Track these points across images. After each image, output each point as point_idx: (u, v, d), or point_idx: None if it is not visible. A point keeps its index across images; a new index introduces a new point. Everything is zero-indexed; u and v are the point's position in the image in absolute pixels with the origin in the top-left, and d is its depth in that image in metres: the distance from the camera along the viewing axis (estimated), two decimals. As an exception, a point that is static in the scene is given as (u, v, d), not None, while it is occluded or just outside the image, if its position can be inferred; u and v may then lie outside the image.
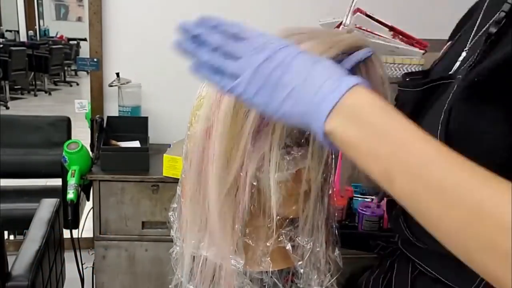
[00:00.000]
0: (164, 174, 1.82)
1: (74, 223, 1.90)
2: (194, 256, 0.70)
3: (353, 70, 0.60)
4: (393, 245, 0.78)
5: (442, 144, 0.47)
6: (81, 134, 2.38)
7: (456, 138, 0.57)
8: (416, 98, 0.68)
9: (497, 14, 0.61)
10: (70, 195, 1.80)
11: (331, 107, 0.47)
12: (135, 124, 2.12)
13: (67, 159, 1.86)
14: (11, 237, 2.61)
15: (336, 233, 0.75)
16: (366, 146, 0.47)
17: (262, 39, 0.52)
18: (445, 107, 0.60)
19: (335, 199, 0.76)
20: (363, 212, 1.53)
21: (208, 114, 0.66)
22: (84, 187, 1.92)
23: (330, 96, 0.47)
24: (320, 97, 0.47)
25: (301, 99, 0.48)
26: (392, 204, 0.72)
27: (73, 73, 8.18)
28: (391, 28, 1.89)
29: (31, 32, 7.75)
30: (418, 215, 0.46)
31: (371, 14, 1.89)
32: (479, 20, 0.69)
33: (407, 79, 0.73)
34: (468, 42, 0.68)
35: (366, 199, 1.65)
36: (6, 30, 7.85)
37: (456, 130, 0.57)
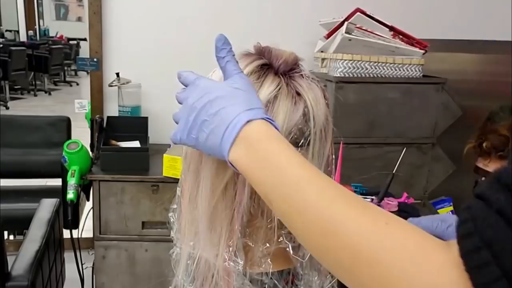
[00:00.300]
0: (164, 174, 1.82)
1: (74, 223, 1.90)
2: (192, 257, 0.70)
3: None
4: None
5: (314, 168, 0.53)
6: (81, 134, 2.38)
7: None
8: None
9: None
10: (70, 195, 1.80)
11: (231, 141, 0.54)
12: (135, 124, 2.12)
13: (67, 159, 1.86)
14: (11, 237, 2.61)
15: None
16: (252, 173, 0.54)
17: (193, 87, 0.60)
18: None
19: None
20: (363, 212, 1.53)
21: None
22: (84, 187, 1.92)
23: (231, 133, 0.55)
24: (224, 134, 0.55)
25: (215, 137, 0.56)
26: None
27: (73, 73, 8.18)
28: (391, 28, 1.89)
29: (31, 32, 7.75)
30: (294, 233, 0.52)
31: (371, 14, 1.89)
32: None
33: None
34: None
35: (366, 199, 1.65)
36: (6, 30, 7.85)
37: None
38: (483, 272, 0.39)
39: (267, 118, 0.56)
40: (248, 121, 0.54)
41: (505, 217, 0.39)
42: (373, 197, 1.66)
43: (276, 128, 0.56)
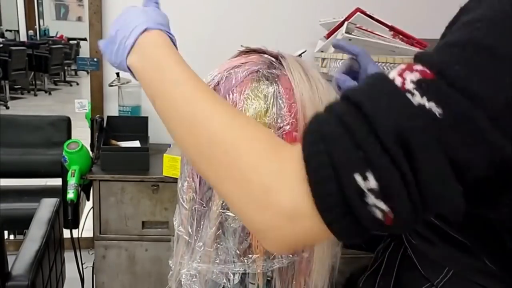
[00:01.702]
0: (164, 174, 1.82)
1: (74, 223, 1.90)
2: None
3: None
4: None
5: (194, 73, 0.57)
6: (81, 134, 2.38)
7: None
8: None
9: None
10: (70, 195, 1.80)
11: (129, 47, 0.62)
12: (135, 124, 2.12)
13: (67, 159, 1.86)
14: (11, 236, 2.61)
15: None
16: (144, 75, 0.60)
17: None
18: None
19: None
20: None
21: None
22: (84, 187, 1.92)
23: (130, 40, 0.62)
24: (125, 42, 0.63)
25: (120, 46, 0.64)
26: None
27: (73, 72, 8.19)
28: (391, 28, 1.89)
29: (31, 32, 7.75)
30: (169, 129, 0.56)
31: (371, 14, 1.89)
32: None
33: None
34: None
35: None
36: (6, 30, 7.86)
37: None
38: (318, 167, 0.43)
39: (166, 30, 0.64)
40: (145, 30, 0.62)
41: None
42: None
43: (172, 41, 0.64)
